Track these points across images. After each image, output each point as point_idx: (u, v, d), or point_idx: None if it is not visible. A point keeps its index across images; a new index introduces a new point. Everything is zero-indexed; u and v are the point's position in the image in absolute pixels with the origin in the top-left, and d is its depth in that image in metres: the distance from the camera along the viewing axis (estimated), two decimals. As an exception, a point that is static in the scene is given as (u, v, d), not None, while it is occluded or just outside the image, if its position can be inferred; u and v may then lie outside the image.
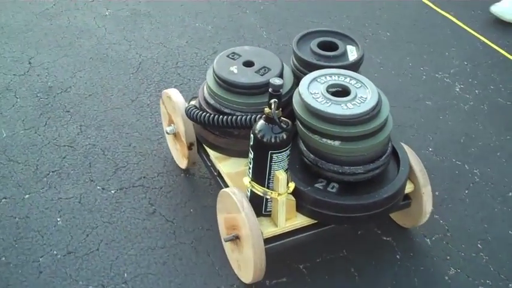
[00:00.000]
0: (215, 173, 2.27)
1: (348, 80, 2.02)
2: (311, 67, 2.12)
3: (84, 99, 2.92)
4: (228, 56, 2.21)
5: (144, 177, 2.52)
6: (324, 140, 1.94)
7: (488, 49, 3.47)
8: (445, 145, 2.77)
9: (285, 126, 1.84)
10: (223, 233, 2.17)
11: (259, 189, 1.96)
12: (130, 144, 2.68)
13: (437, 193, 2.49)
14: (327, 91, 1.97)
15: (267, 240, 1.99)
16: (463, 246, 2.30)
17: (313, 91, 1.96)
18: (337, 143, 1.94)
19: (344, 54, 2.19)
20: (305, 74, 2.06)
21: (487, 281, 2.18)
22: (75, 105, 2.88)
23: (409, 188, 2.16)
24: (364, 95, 1.96)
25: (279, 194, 1.94)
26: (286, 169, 1.95)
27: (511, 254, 2.28)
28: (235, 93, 2.12)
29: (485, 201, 2.50)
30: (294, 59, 2.23)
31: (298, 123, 2.01)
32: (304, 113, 1.95)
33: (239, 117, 2.06)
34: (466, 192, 2.53)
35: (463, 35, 3.59)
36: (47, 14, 3.58)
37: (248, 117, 2.04)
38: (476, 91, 3.13)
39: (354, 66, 2.16)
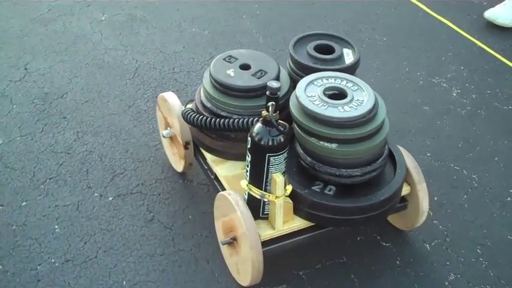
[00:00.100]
0: (212, 176, 2.27)
1: (344, 83, 2.03)
2: (308, 70, 2.13)
3: (80, 105, 2.91)
4: (224, 59, 2.22)
5: (142, 184, 2.50)
6: (321, 142, 1.95)
7: (484, 54, 3.48)
8: (443, 150, 2.77)
9: (282, 128, 1.86)
10: (221, 238, 2.16)
11: (256, 192, 1.97)
12: (128, 150, 2.67)
13: (436, 198, 2.49)
14: (324, 94, 1.98)
15: (264, 243, 1.99)
16: (463, 251, 2.30)
17: (310, 94, 1.97)
18: (334, 145, 1.94)
19: (340, 57, 2.20)
20: (301, 77, 2.07)
21: (487, 287, 2.18)
22: (71, 112, 2.86)
23: (405, 190, 2.17)
24: (361, 98, 1.97)
25: (276, 197, 1.94)
26: (284, 172, 1.95)
27: (511, 259, 2.28)
28: (232, 96, 2.13)
29: (484, 206, 2.50)
30: (291, 62, 2.23)
31: (295, 126, 2.02)
32: (302, 115, 1.96)
33: (236, 120, 2.06)
34: (465, 197, 2.53)
35: (459, 40, 3.59)
36: (42, 20, 3.56)
37: (245, 120, 2.04)
38: (473, 96, 3.13)
39: (351, 69, 2.17)
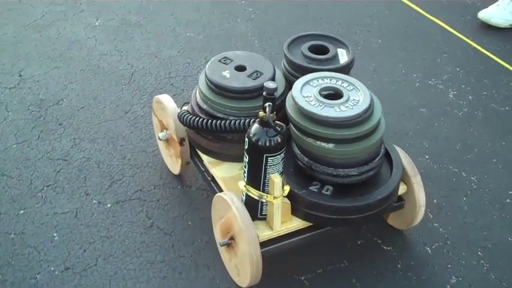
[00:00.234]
0: (209, 178, 2.27)
1: (340, 83, 2.04)
2: (302, 70, 2.13)
3: (76, 112, 2.89)
4: (219, 61, 2.22)
5: (140, 190, 2.49)
6: (318, 142, 1.95)
7: (479, 55, 3.48)
8: (441, 152, 2.77)
9: (279, 129, 1.86)
10: (219, 241, 2.15)
11: (254, 193, 1.97)
12: (125, 156, 2.65)
13: (435, 201, 2.49)
14: (320, 94, 1.98)
15: (263, 244, 1.99)
16: (464, 254, 2.29)
17: (306, 94, 1.98)
18: (331, 145, 1.95)
19: (335, 57, 2.21)
20: (297, 78, 2.08)
21: (489, 289, 2.18)
22: (67, 118, 2.84)
23: (402, 189, 2.17)
24: (357, 98, 1.98)
25: (274, 197, 1.94)
26: (281, 172, 1.95)
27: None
28: (227, 97, 2.13)
29: (483, 208, 2.50)
30: (285, 63, 2.24)
31: (292, 126, 2.02)
32: (298, 116, 1.96)
33: (232, 121, 2.07)
34: (464, 199, 2.53)
35: (454, 41, 3.60)
36: (36, 26, 3.54)
37: (242, 121, 2.04)
38: (470, 97, 3.13)
39: (345, 69, 2.17)
